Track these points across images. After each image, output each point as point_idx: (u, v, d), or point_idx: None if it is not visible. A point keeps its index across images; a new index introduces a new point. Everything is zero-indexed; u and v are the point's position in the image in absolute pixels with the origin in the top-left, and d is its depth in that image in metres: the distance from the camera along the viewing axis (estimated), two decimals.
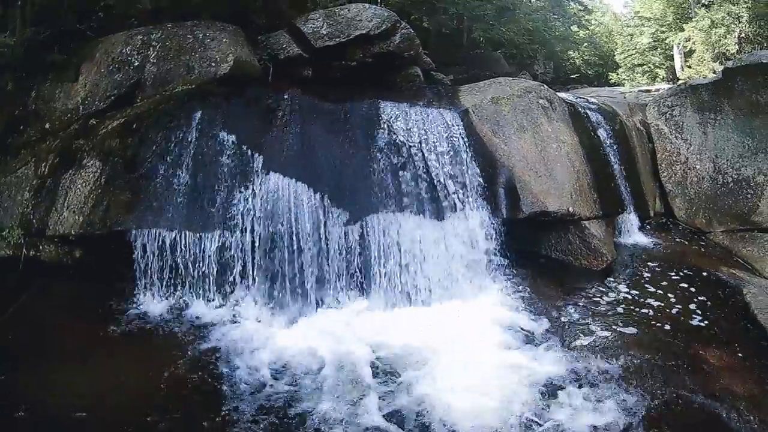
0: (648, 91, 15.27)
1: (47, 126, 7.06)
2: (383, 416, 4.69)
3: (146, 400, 4.72)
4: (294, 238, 6.01)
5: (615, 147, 9.03)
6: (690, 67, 17.05)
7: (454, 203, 6.68)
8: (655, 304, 6.73)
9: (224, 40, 7.19)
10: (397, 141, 6.72)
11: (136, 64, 7.07)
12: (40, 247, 6.57)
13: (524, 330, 6.06)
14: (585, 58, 26.46)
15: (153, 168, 6.31)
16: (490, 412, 4.75)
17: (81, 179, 6.46)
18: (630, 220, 8.89)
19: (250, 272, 6.09)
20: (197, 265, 6.06)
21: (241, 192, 6.15)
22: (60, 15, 7.40)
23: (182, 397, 4.81)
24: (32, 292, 6.07)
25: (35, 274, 6.31)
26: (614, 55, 22.41)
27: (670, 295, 6.94)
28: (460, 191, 6.77)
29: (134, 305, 6.08)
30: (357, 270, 6.32)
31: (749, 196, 8.97)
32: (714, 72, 14.76)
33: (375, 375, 5.25)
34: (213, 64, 7.03)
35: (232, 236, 6.04)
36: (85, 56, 7.28)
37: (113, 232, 6.17)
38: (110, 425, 4.45)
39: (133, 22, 7.86)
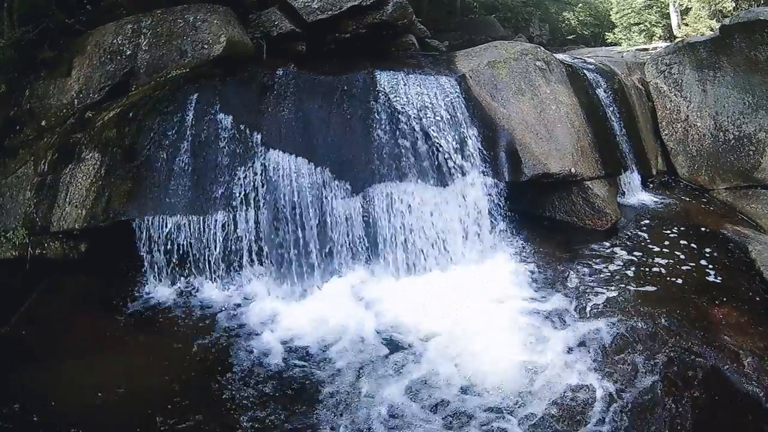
0: (645, 49, 15.10)
1: (43, 123, 7.03)
2: (395, 388, 4.74)
3: (161, 387, 4.77)
4: (297, 213, 6.03)
5: (614, 106, 8.96)
6: (687, 24, 16.83)
7: (456, 169, 6.65)
8: (661, 262, 6.72)
9: (215, 21, 7.12)
10: (396, 110, 6.67)
11: (128, 53, 7.01)
12: (46, 245, 6.57)
13: (532, 294, 6.09)
14: (580, 18, 26.11)
15: (152, 155, 6.30)
16: (501, 378, 4.81)
17: (81, 173, 6.45)
18: (632, 179, 8.84)
19: (256, 251, 6.12)
20: (203, 248, 6.09)
21: (241, 171, 6.14)
22: (48, 12, 7.33)
23: (197, 380, 4.85)
24: (41, 290, 6.10)
25: (43, 272, 6.32)
26: (610, 15, 22.10)
27: (675, 253, 6.93)
28: (461, 157, 6.73)
29: (143, 294, 6.13)
30: (361, 241, 6.33)
31: (751, 152, 8.91)
32: (711, 29, 14.57)
33: (383, 345, 5.31)
34: (206, 47, 6.97)
35: (235, 216, 6.06)
36: (77, 50, 7.22)
37: (117, 222, 6.18)
38: (126, 415, 4.50)
39: (122, 12, 7.79)
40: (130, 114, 6.54)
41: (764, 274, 6.25)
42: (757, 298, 5.99)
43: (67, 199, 6.42)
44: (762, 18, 8.37)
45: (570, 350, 5.15)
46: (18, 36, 7.11)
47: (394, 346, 5.30)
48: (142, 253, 6.13)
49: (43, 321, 5.71)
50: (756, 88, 8.87)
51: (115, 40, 7.10)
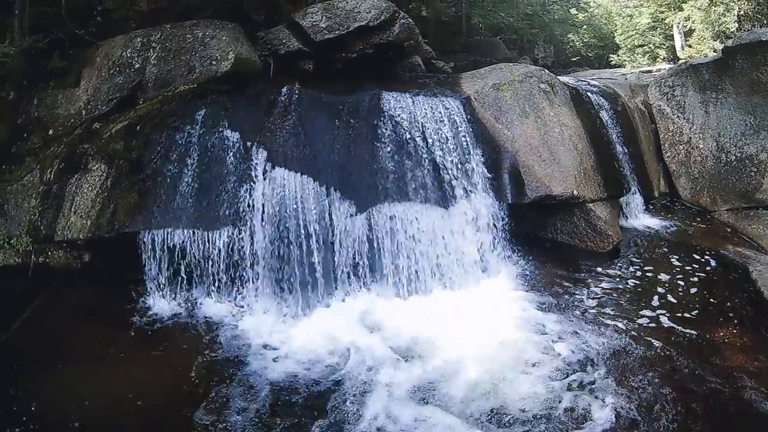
0: (649, 71, 15.23)
1: (51, 132, 7.07)
2: (395, 408, 4.72)
3: (162, 400, 4.78)
4: (301, 231, 6.03)
5: (617, 129, 9.03)
6: (690, 46, 16.98)
7: (459, 190, 6.69)
8: (663, 284, 6.77)
9: (224, 38, 7.19)
10: (401, 131, 6.72)
11: (137, 66, 7.07)
12: (49, 254, 6.60)
13: (533, 314, 6.10)
14: (585, 40, 26.33)
15: (158, 169, 6.34)
16: (503, 400, 4.80)
17: (87, 183, 6.49)
18: (635, 201, 8.91)
19: (259, 268, 6.10)
20: (206, 263, 6.09)
21: (247, 188, 6.16)
22: (58, 21, 7.40)
23: (197, 395, 4.85)
24: (43, 298, 6.09)
25: (45, 281, 6.33)
26: (614, 37, 22.25)
27: (677, 274, 6.97)
28: (465, 178, 6.78)
29: (145, 306, 6.13)
30: (365, 260, 6.34)
31: (753, 173, 8.98)
32: (714, 51, 14.70)
33: (385, 367, 5.27)
34: (214, 63, 7.03)
35: (239, 233, 6.06)
36: (86, 61, 7.28)
37: (121, 234, 6.20)
38: (127, 428, 4.51)
39: (132, 25, 7.86)
40: (138, 127, 6.60)
41: (765, 295, 6.29)
42: (758, 319, 6.04)
43: (72, 209, 6.45)
44: (764, 39, 8.49)
45: (571, 371, 5.16)
46: (28, 44, 7.17)
47: (395, 369, 5.27)
48: (145, 266, 6.15)
49: (44, 330, 5.71)
50: (758, 109, 8.98)
51: (124, 53, 7.16)
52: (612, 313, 6.12)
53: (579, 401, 4.78)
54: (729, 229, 8.75)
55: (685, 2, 17.03)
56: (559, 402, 4.77)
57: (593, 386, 4.97)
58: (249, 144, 6.36)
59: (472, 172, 6.85)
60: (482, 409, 4.70)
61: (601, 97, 9.18)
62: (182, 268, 6.16)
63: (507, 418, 4.59)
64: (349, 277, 6.30)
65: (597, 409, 4.70)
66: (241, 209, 6.08)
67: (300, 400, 4.83)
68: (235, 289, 6.19)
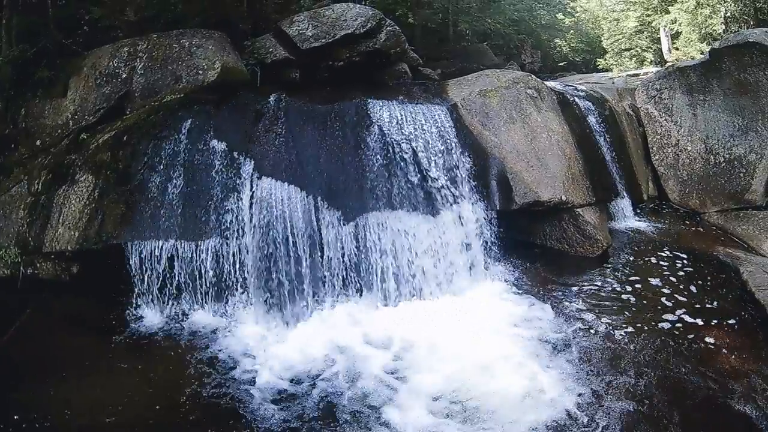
0: (636, 75, 15.28)
1: (38, 143, 7.05)
2: (388, 419, 4.71)
3: (150, 411, 4.75)
4: (289, 241, 6.03)
5: (605, 133, 9.06)
6: (677, 49, 17.06)
7: (447, 198, 6.71)
8: (654, 286, 6.79)
9: (210, 47, 7.21)
10: (388, 139, 6.73)
11: (124, 76, 7.07)
12: (38, 265, 6.58)
13: (523, 321, 6.08)
14: (572, 45, 26.42)
15: (145, 179, 6.34)
16: (495, 408, 4.79)
17: (74, 194, 6.47)
18: (623, 205, 8.94)
19: (247, 278, 6.10)
20: (194, 273, 6.08)
21: (234, 198, 6.16)
22: (46, 32, 7.38)
23: (185, 407, 4.83)
24: (32, 309, 6.07)
25: (34, 292, 6.32)
26: (601, 41, 22.38)
27: (667, 277, 7.00)
28: (452, 186, 6.80)
29: (134, 317, 6.12)
30: (353, 269, 6.33)
31: (741, 174, 9.01)
32: (701, 53, 14.75)
33: (372, 377, 5.24)
34: (200, 72, 7.04)
35: (227, 243, 6.06)
36: (73, 71, 7.27)
37: (109, 245, 6.18)
38: None
39: (119, 34, 7.85)
40: (125, 138, 6.59)
41: (756, 295, 6.29)
42: (749, 319, 6.05)
43: (60, 220, 6.43)
44: (751, 40, 8.52)
45: (561, 375, 5.15)
46: (15, 54, 7.14)
47: (384, 377, 5.25)
48: (133, 277, 6.13)
49: (34, 341, 5.69)
50: (745, 110, 9.01)
51: (111, 63, 7.16)
52: (601, 316, 6.12)
53: (570, 406, 4.77)
54: (719, 231, 8.77)
55: (672, 5, 17.13)
56: (542, 409, 4.75)
57: (586, 388, 4.97)
58: (236, 154, 6.37)
59: (459, 180, 6.88)
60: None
61: (588, 102, 9.21)
62: (170, 279, 6.13)
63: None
64: (337, 285, 6.30)
65: (589, 410, 4.70)
66: (229, 219, 6.09)
67: (290, 409, 4.81)
68: (224, 299, 6.18)
